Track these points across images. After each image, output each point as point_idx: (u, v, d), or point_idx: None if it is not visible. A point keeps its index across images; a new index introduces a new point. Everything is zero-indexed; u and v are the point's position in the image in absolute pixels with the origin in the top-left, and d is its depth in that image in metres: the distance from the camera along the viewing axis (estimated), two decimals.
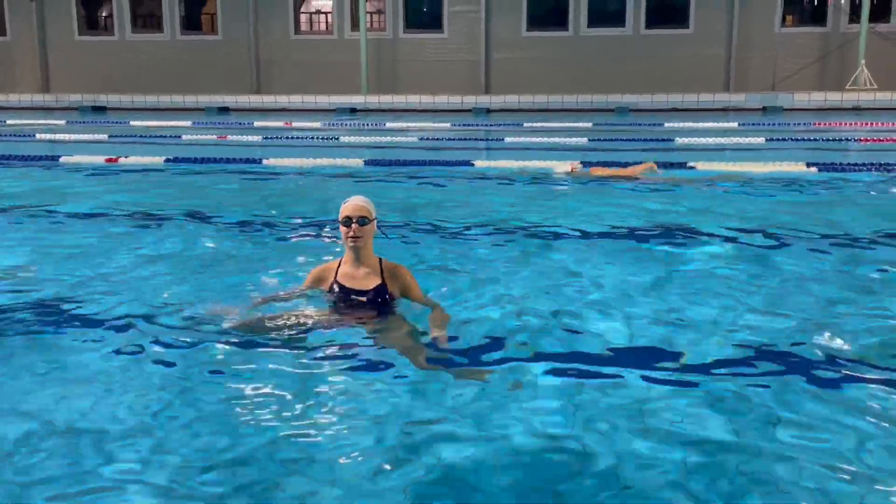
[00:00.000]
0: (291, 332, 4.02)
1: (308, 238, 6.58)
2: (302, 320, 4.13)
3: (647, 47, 23.49)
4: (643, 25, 23.72)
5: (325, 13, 26.11)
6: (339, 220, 4.23)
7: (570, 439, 3.05)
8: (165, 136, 15.36)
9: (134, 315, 4.47)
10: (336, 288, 4.30)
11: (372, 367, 3.72)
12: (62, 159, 11.26)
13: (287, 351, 3.87)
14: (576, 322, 4.37)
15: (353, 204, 4.22)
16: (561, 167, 9.51)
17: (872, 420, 3.20)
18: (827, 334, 4.10)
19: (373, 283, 4.26)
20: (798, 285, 5.01)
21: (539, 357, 3.86)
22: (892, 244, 6.21)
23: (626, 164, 9.60)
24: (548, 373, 3.67)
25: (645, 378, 3.59)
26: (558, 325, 4.32)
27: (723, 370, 3.70)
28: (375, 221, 4.28)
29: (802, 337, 4.10)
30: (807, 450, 2.96)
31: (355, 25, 24.43)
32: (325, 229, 6.66)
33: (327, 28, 25.91)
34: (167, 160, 11.15)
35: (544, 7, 24.30)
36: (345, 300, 4.26)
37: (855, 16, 21.79)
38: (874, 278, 5.22)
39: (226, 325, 4.13)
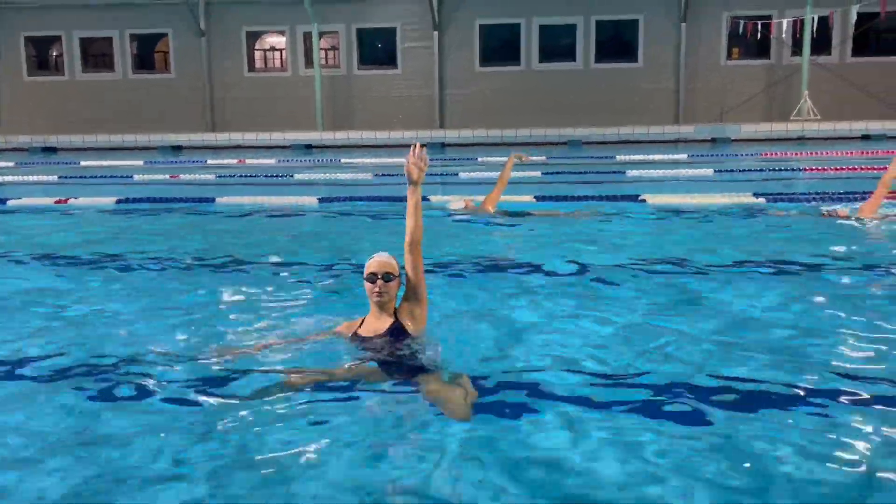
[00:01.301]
0: (306, 380, 3.94)
1: (262, 277, 6.52)
2: (319, 369, 4.06)
3: (598, 81, 23.96)
4: (593, 60, 24.21)
5: (279, 50, 26.18)
6: (364, 276, 4.22)
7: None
8: (117, 177, 15.17)
9: (81, 360, 4.39)
10: (354, 338, 4.29)
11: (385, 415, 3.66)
12: (10, 202, 11.05)
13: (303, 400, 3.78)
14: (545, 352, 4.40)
15: (378, 260, 4.23)
16: (455, 203, 9.55)
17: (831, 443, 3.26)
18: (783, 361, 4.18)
19: (387, 324, 4.24)
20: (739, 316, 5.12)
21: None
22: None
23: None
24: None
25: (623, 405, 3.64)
26: (520, 355, 4.35)
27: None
28: (400, 278, 4.27)
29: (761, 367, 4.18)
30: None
31: (309, 62, 24.55)
32: (270, 265, 6.62)
33: (282, 65, 25.97)
34: (118, 201, 11.00)
35: (497, 42, 24.68)
36: (363, 347, 4.22)
37: (797, 49, 22.49)
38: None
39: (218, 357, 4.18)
